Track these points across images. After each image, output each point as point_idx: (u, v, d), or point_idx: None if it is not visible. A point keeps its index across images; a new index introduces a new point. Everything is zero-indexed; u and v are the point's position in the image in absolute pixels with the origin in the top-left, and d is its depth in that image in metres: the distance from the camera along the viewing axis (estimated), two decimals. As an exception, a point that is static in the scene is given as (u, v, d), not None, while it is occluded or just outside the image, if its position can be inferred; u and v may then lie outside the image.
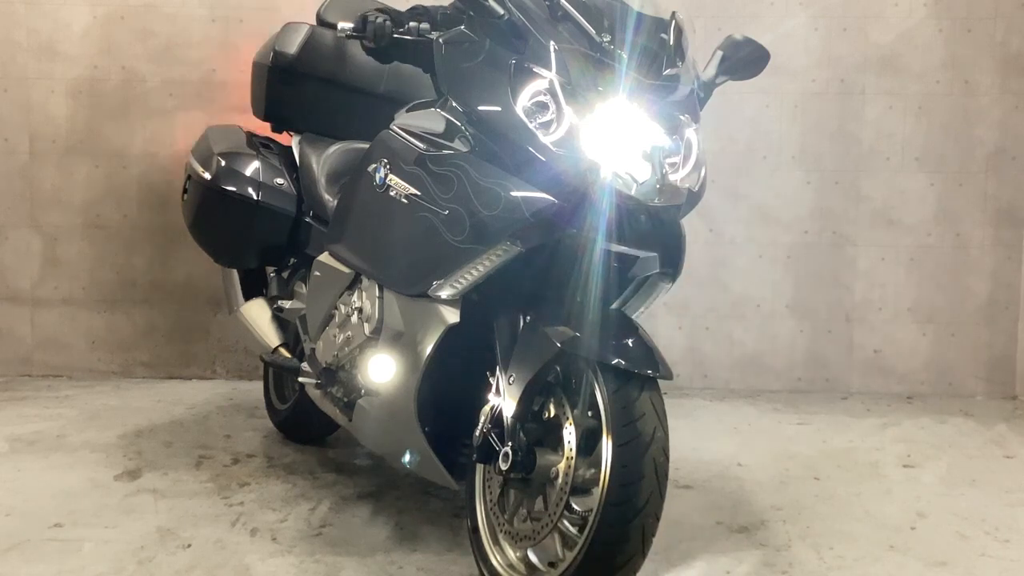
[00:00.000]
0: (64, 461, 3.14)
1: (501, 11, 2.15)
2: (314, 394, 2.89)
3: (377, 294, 2.47)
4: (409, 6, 3.35)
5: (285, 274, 3.35)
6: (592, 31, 2.18)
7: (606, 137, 2.06)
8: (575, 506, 2.11)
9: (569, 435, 2.09)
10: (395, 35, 2.44)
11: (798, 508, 2.85)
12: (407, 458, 2.42)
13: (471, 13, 2.22)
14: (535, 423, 2.17)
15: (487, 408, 2.18)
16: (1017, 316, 4.20)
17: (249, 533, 2.59)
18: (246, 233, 3.20)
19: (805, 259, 4.20)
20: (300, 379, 2.91)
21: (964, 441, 3.58)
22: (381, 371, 2.42)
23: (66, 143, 4.18)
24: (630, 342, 2.10)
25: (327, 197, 2.97)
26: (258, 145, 3.34)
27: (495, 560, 2.22)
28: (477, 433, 2.18)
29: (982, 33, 4.12)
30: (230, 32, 4.13)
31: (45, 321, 4.24)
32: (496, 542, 2.24)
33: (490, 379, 2.21)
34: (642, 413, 2.01)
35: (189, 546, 2.50)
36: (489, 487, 2.27)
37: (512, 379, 2.12)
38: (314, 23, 3.27)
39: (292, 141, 3.35)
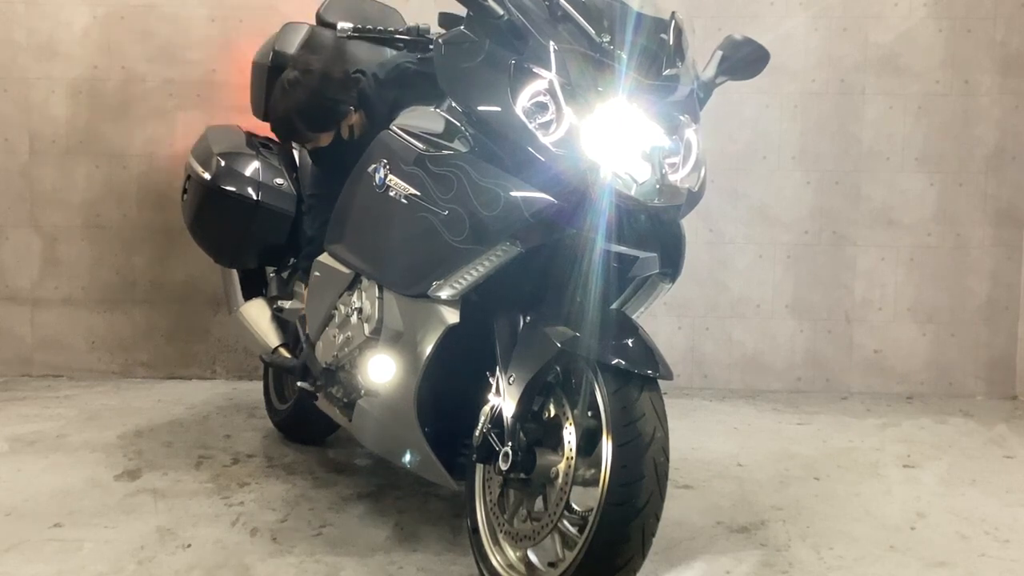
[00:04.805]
0: (64, 461, 3.14)
1: (501, 11, 2.15)
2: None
3: (377, 294, 2.48)
4: (400, 10, 3.39)
5: (285, 274, 3.35)
6: (592, 31, 2.18)
7: (606, 137, 2.06)
8: (575, 506, 2.11)
9: (569, 435, 2.09)
10: (396, 36, 2.47)
11: (798, 508, 2.85)
12: (407, 458, 2.42)
13: (471, 13, 2.22)
14: (535, 423, 2.17)
15: (487, 408, 2.18)
16: (1017, 316, 4.21)
17: (249, 533, 2.59)
18: (246, 233, 3.21)
19: (805, 259, 4.20)
20: (299, 384, 2.91)
21: (964, 441, 3.58)
22: (381, 371, 2.42)
23: (66, 143, 4.19)
24: (630, 342, 2.10)
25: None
26: (258, 145, 3.35)
27: (495, 560, 2.22)
28: (477, 433, 2.18)
29: (982, 33, 4.12)
30: (230, 32, 4.13)
31: (45, 321, 4.25)
32: (496, 542, 2.24)
33: (490, 379, 2.21)
34: (642, 413, 2.01)
35: (189, 546, 2.50)
36: (489, 487, 2.27)
37: (512, 379, 2.12)
38: (314, 23, 3.28)
39: (292, 141, 3.35)
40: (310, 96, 2.74)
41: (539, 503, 2.19)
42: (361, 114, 2.79)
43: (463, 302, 2.20)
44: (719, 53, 2.42)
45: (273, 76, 3.22)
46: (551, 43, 2.11)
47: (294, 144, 3.33)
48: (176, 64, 4.15)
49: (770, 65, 2.48)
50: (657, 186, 2.12)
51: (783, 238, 4.20)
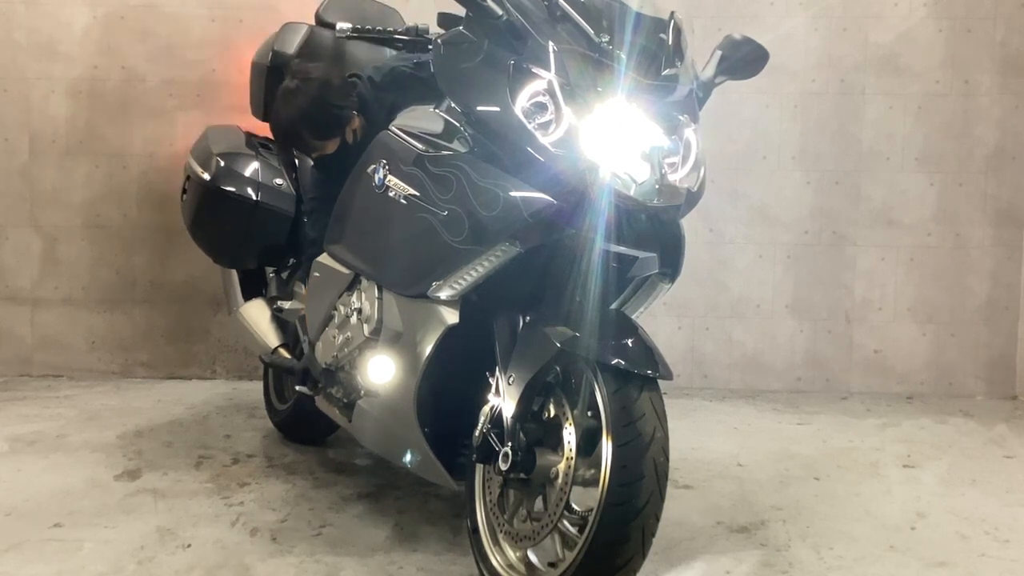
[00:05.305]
0: (64, 461, 3.14)
1: (499, 11, 2.15)
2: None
3: (376, 295, 2.47)
4: (400, 10, 3.39)
5: (284, 274, 3.35)
6: (591, 31, 2.18)
7: (605, 137, 2.07)
8: (575, 506, 2.11)
9: (569, 435, 2.09)
10: (395, 36, 2.47)
11: (798, 508, 2.85)
12: (407, 458, 2.42)
13: (470, 14, 2.22)
14: (535, 423, 2.17)
15: (487, 408, 2.18)
16: (1017, 316, 4.20)
17: (249, 533, 2.59)
18: (245, 233, 3.21)
19: (805, 259, 4.20)
20: (297, 388, 2.91)
21: (964, 441, 3.58)
22: (381, 372, 2.42)
23: (66, 143, 4.19)
24: (630, 342, 2.10)
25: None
26: (257, 145, 3.35)
27: (495, 560, 2.22)
28: (477, 433, 2.18)
29: (982, 33, 4.12)
30: (230, 32, 4.13)
31: (45, 321, 4.25)
32: (496, 542, 2.24)
33: (490, 379, 2.21)
34: (642, 413, 2.01)
35: (189, 546, 2.50)
36: (489, 487, 2.27)
37: (512, 379, 2.12)
38: (313, 23, 3.28)
39: (292, 141, 3.35)
40: (312, 104, 2.73)
41: (539, 503, 2.19)
42: (361, 117, 2.79)
43: (463, 302, 2.20)
44: (718, 53, 2.42)
45: (272, 76, 3.22)
46: (550, 43, 2.10)
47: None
48: (176, 64, 4.15)
49: (770, 65, 2.48)
50: (656, 186, 2.12)
51: (783, 238, 4.20)
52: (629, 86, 2.11)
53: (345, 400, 2.69)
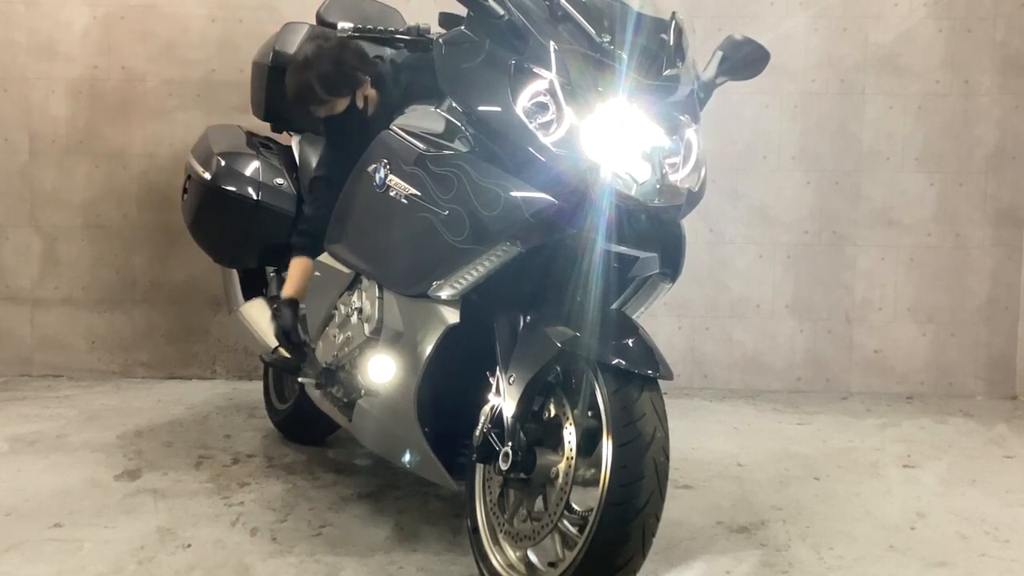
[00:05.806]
0: (64, 461, 3.14)
1: (501, 11, 2.15)
2: (314, 394, 2.89)
3: (377, 294, 2.48)
4: (401, 10, 3.39)
5: (285, 274, 3.34)
6: (592, 31, 2.18)
7: (606, 138, 2.07)
8: (575, 506, 2.11)
9: (569, 435, 2.09)
10: (396, 36, 2.47)
11: (798, 508, 2.85)
12: (407, 458, 2.42)
13: (471, 13, 2.22)
14: (535, 423, 2.17)
15: (487, 408, 2.18)
16: (1017, 316, 4.21)
17: (249, 533, 2.59)
18: (246, 233, 3.21)
19: (805, 259, 4.20)
20: (300, 379, 2.92)
21: (964, 441, 3.58)
22: (381, 371, 2.42)
23: (66, 143, 4.19)
24: (630, 342, 2.10)
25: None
26: (258, 145, 3.35)
27: (495, 560, 2.22)
28: (477, 433, 2.18)
29: (982, 33, 4.12)
30: (230, 32, 4.13)
31: (45, 321, 4.25)
32: (496, 542, 2.24)
33: (490, 379, 2.21)
34: (642, 413, 2.01)
35: (189, 546, 2.50)
36: (489, 487, 2.27)
37: (512, 379, 2.12)
38: (314, 23, 3.29)
39: (292, 141, 3.35)
40: (329, 59, 2.76)
41: (539, 503, 2.19)
42: (376, 93, 2.81)
43: (463, 302, 2.20)
44: (719, 53, 2.42)
45: (273, 76, 3.22)
46: (551, 43, 2.10)
47: (294, 145, 3.34)
48: (176, 64, 4.15)
49: (770, 65, 2.48)
50: (657, 186, 2.12)
51: (783, 238, 4.20)
52: (630, 86, 2.12)
53: (345, 399, 2.70)
